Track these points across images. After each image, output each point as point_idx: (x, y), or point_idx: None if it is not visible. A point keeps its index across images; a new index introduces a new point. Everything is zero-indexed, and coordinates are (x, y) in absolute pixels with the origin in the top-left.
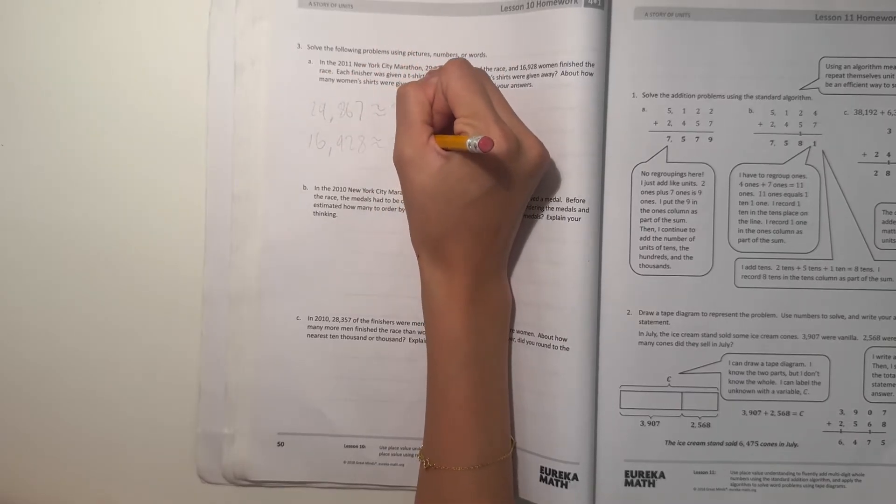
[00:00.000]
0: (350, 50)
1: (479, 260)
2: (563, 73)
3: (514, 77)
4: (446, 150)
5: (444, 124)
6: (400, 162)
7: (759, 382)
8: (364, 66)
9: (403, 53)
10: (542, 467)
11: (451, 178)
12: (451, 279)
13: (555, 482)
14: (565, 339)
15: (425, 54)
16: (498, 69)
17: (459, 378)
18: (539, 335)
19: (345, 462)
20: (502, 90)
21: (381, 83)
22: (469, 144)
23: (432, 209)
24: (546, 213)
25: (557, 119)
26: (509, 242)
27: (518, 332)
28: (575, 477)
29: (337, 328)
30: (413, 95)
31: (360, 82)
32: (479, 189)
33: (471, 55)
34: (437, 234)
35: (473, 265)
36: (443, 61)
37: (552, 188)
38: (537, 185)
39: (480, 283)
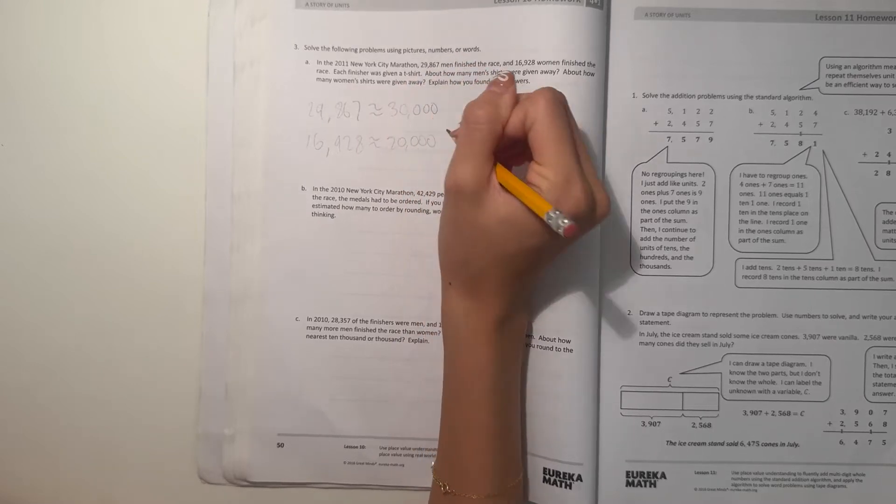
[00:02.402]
0: (346, 49)
1: (515, 295)
2: (565, 72)
3: None
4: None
5: (506, 144)
6: (457, 191)
7: (760, 382)
8: (360, 65)
9: (399, 51)
10: (545, 468)
11: (514, 226)
12: (482, 311)
13: (559, 483)
14: (568, 341)
15: (420, 51)
16: (492, 63)
17: (482, 407)
18: (540, 337)
19: (345, 462)
20: None
21: (378, 82)
22: (551, 220)
23: (481, 247)
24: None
25: None
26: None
27: None
28: (579, 478)
29: (337, 328)
30: (489, 125)
31: (357, 82)
32: (539, 241)
33: (465, 49)
34: (477, 270)
35: (508, 300)
36: (437, 57)
37: None
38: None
39: (510, 314)
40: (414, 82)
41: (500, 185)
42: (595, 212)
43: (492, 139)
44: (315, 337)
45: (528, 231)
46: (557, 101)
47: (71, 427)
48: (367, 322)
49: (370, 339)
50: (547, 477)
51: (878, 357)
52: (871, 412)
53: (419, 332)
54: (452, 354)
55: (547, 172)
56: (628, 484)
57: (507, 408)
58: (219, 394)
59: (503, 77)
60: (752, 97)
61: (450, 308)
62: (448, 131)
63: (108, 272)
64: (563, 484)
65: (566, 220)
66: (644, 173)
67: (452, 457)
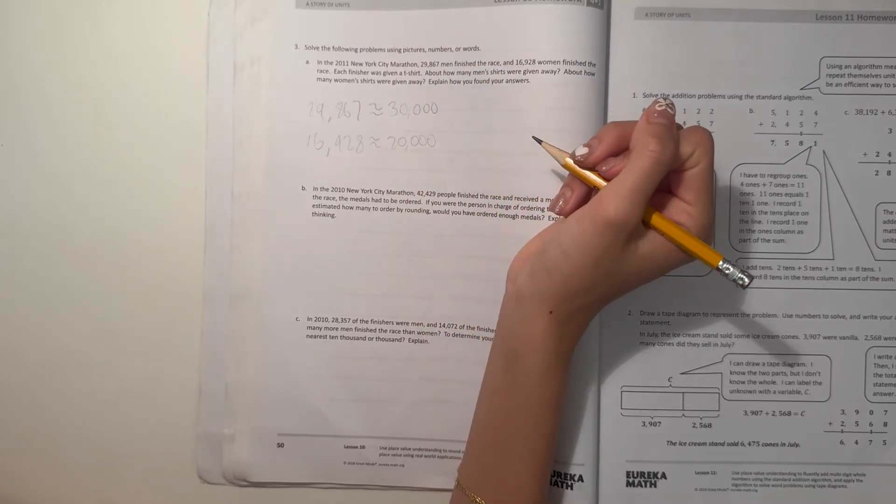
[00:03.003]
0: (347, 49)
1: (594, 314)
2: (566, 72)
3: (510, 72)
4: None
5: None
6: (619, 227)
7: (761, 383)
8: (360, 65)
9: (399, 51)
10: None
11: (664, 268)
12: (574, 336)
13: (560, 484)
14: None
15: (420, 50)
16: (492, 63)
17: (550, 432)
18: None
19: (345, 463)
20: (496, 86)
21: (378, 82)
22: (728, 273)
23: (616, 282)
24: (548, 214)
25: (558, 118)
26: None
27: None
28: (580, 478)
29: (337, 328)
30: (667, 165)
31: (357, 82)
32: (655, 271)
33: (465, 49)
34: (596, 300)
35: (588, 319)
36: (438, 57)
37: (553, 190)
38: None
39: (581, 333)
40: (414, 82)
41: (651, 225)
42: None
43: (657, 180)
44: (315, 337)
45: (662, 262)
46: (713, 144)
47: (71, 427)
48: (367, 322)
49: (370, 339)
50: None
51: (879, 357)
52: (871, 412)
53: (419, 332)
54: (520, 377)
55: (697, 214)
56: (628, 484)
57: (556, 429)
58: (219, 393)
59: (670, 107)
60: (752, 97)
61: (537, 334)
62: (539, 141)
63: (108, 272)
64: (564, 485)
65: (746, 275)
66: None
67: (498, 472)
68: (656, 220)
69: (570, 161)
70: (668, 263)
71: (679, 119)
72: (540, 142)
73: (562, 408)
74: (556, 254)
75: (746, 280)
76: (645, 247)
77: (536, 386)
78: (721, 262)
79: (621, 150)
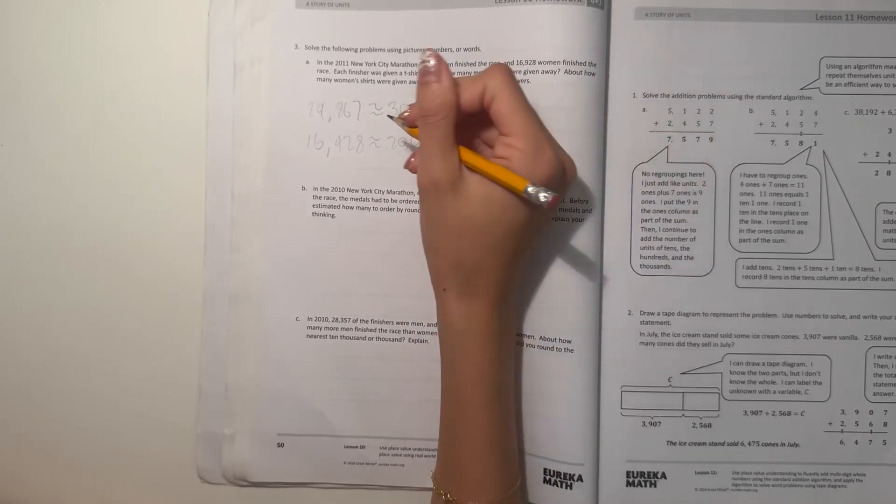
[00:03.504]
0: (347, 49)
1: (507, 287)
2: (566, 72)
3: None
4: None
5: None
6: (433, 189)
7: (761, 382)
8: (361, 65)
9: (399, 51)
10: (545, 469)
11: (493, 205)
12: (481, 312)
13: (559, 483)
14: (569, 342)
15: (421, 50)
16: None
17: (487, 413)
18: (541, 338)
19: (345, 462)
20: None
21: (378, 82)
22: (532, 196)
23: (470, 238)
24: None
25: (559, 118)
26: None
27: (518, 335)
28: (580, 478)
29: (337, 328)
30: (445, 115)
31: (357, 81)
32: (521, 216)
33: (465, 49)
34: (471, 264)
35: (502, 294)
36: None
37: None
38: None
39: (505, 311)
40: (415, 82)
41: (470, 168)
42: (566, 174)
43: (452, 127)
44: (315, 337)
45: (511, 207)
46: (513, 74)
47: (71, 427)
48: (367, 322)
49: (370, 339)
50: (547, 477)
51: (879, 357)
52: (871, 412)
53: (419, 332)
54: (452, 363)
55: (516, 142)
56: (628, 484)
57: (508, 413)
58: (219, 393)
59: (429, 60)
60: (752, 97)
61: (447, 315)
62: (390, 117)
63: (108, 272)
64: (564, 484)
65: (547, 193)
66: (644, 173)
67: (455, 465)
68: (467, 158)
69: (395, 119)
70: (505, 201)
71: (679, 119)
72: (392, 117)
73: (508, 395)
74: (422, 232)
75: (549, 196)
76: (480, 192)
77: (459, 364)
78: (526, 187)
79: None
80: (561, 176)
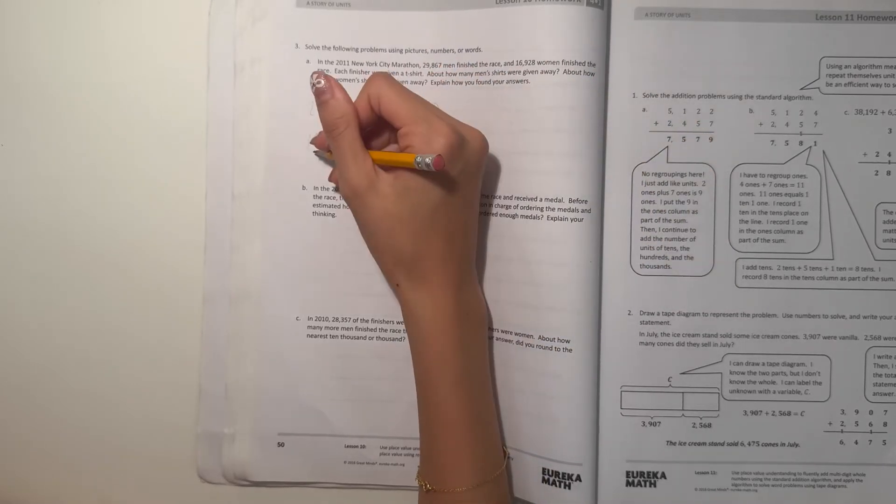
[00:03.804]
0: (347, 49)
1: (456, 267)
2: (565, 72)
3: (510, 73)
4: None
5: (364, 133)
6: (355, 195)
7: (760, 382)
8: (361, 64)
9: (400, 51)
10: (544, 469)
11: (412, 192)
12: (435, 297)
13: (557, 483)
14: (568, 341)
15: (422, 51)
16: (493, 64)
17: (453, 397)
18: (540, 337)
19: (345, 462)
20: (497, 87)
21: None
22: (419, 164)
23: (400, 230)
24: (547, 214)
25: (559, 118)
26: (475, 241)
27: (517, 334)
28: (578, 478)
29: (337, 328)
30: (346, 124)
31: (358, 81)
32: (440, 192)
33: (466, 50)
34: (411, 253)
35: (452, 275)
36: (439, 58)
37: (554, 189)
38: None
39: (461, 294)
40: (416, 83)
41: (380, 166)
42: (469, 143)
43: (356, 134)
44: (315, 336)
45: (425, 189)
46: (391, 76)
47: (70, 427)
48: (367, 322)
49: (370, 338)
50: (546, 477)
51: (879, 357)
52: (871, 412)
53: None
54: (418, 353)
55: (410, 128)
56: (628, 484)
57: (479, 397)
58: (219, 393)
59: (319, 81)
60: (752, 97)
61: (407, 308)
62: (313, 143)
63: (108, 272)
64: (562, 484)
65: (430, 158)
66: (644, 173)
67: (432, 454)
68: (374, 157)
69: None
70: (416, 182)
71: (679, 119)
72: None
73: (479, 378)
74: (365, 239)
75: (431, 159)
76: (393, 183)
77: (423, 353)
78: (415, 159)
79: None
80: (460, 144)
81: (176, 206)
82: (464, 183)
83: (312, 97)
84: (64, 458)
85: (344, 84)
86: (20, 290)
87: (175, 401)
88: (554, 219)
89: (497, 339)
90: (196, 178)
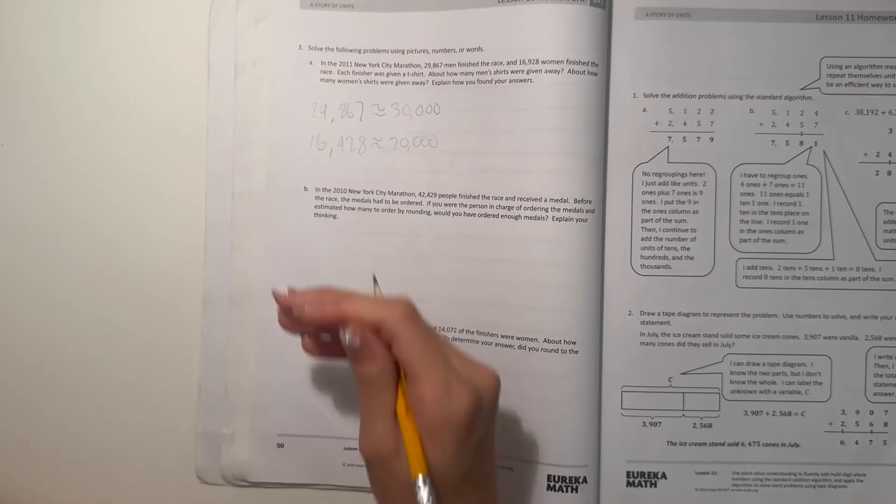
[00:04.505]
0: (350, 50)
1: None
2: (569, 72)
3: (513, 72)
4: None
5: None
6: (379, 460)
7: (761, 383)
8: (364, 65)
9: (403, 52)
10: (549, 475)
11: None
12: None
13: (564, 488)
14: (574, 343)
15: (424, 51)
16: (495, 63)
17: None
18: (545, 340)
19: (344, 464)
20: (499, 85)
21: (381, 83)
22: (418, 496)
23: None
24: (552, 214)
25: (561, 118)
26: (495, 485)
27: (519, 338)
28: (584, 480)
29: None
30: (389, 384)
31: (361, 82)
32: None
33: (468, 49)
34: None
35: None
36: (441, 58)
37: (559, 190)
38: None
39: None
40: (417, 83)
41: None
42: (484, 399)
43: (393, 392)
44: None
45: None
46: (414, 308)
47: (70, 427)
48: None
49: None
50: (551, 484)
51: (879, 357)
52: (871, 412)
53: None
54: None
55: (424, 390)
56: (629, 484)
57: None
58: (218, 393)
59: (354, 340)
60: (752, 97)
61: None
62: (274, 291)
63: (107, 272)
64: (569, 489)
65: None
66: (645, 173)
67: None
68: (404, 426)
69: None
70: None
71: (679, 119)
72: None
73: None
74: (372, 491)
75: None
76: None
77: None
78: (416, 480)
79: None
80: (477, 409)
81: (176, 207)
82: (480, 433)
83: (315, 98)
84: (63, 458)
85: (347, 85)
86: (20, 290)
87: (174, 401)
88: (560, 219)
89: (497, 346)
90: (196, 178)
